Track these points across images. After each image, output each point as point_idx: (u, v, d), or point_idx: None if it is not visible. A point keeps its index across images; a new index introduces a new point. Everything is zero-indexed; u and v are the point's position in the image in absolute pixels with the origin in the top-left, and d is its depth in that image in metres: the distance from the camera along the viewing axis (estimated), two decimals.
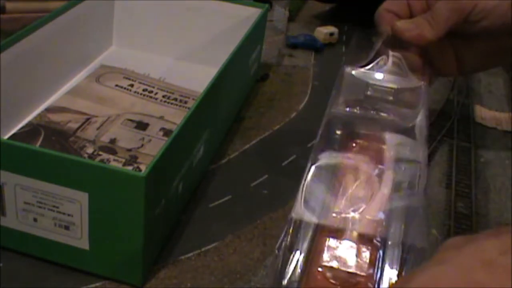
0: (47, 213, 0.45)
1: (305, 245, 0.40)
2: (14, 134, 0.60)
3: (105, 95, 0.68)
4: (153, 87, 0.71)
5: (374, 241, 0.41)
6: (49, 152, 0.43)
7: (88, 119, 0.63)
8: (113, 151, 0.59)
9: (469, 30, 0.56)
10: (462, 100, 0.79)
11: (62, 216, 0.45)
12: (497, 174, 0.65)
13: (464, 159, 0.67)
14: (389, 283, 0.38)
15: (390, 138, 0.48)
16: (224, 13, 0.74)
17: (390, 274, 0.39)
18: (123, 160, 0.58)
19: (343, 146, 0.50)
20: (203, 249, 0.51)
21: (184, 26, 0.75)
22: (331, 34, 0.89)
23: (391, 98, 0.54)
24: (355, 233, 0.42)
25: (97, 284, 0.47)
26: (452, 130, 0.72)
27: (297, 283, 0.38)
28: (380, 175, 0.45)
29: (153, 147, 0.60)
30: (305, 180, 0.44)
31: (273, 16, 0.89)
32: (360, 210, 0.43)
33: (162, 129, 0.63)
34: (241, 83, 0.69)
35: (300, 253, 0.40)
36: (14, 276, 0.47)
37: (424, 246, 0.40)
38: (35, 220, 0.46)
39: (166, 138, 0.61)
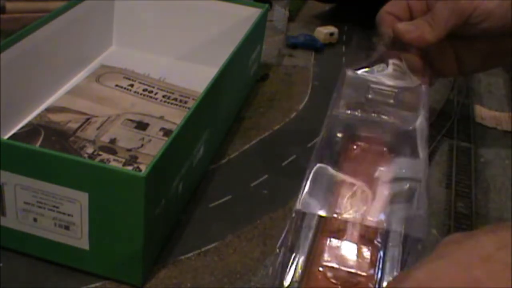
0: (47, 213, 0.45)
1: (306, 245, 0.41)
2: (14, 134, 0.60)
3: (105, 95, 0.68)
4: (153, 87, 0.71)
5: (375, 241, 0.41)
6: (49, 152, 0.43)
7: (88, 119, 0.63)
8: (113, 151, 0.59)
9: (469, 32, 0.57)
10: (462, 100, 0.79)
11: (62, 216, 0.45)
12: (497, 174, 0.65)
13: (464, 159, 0.67)
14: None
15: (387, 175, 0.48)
16: (224, 13, 0.74)
17: (390, 274, 0.39)
18: (123, 160, 0.58)
19: (344, 148, 0.50)
20: (203, 249, 0.51)
21: (184, 26, 0.75)
22: (331, 34, 0.89)
23: (392, 101, 0.54)
24: (356, 234, 0.42)
25: (97, 284, 0.47)
26: (452, 130, 0.72)
27: (298, 282, 0.38)
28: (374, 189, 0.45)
29: (153, 147, 0.60)
30: (307, 179, 0.44)
31: (273, 16, 0.89)
32: (361, 211, 0.43)
33: (162, 129, 0.63)
34: (241, 83, 0.69)
35: (301, 253, 0.40)
36: (14, 276, 0.47)
37: (425, 247, 0.40)
38: (35, 220, 0.46)
39: (166, 138, 0.61)
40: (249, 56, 0.69)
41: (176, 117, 0.65)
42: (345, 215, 0.42)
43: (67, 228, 0.45)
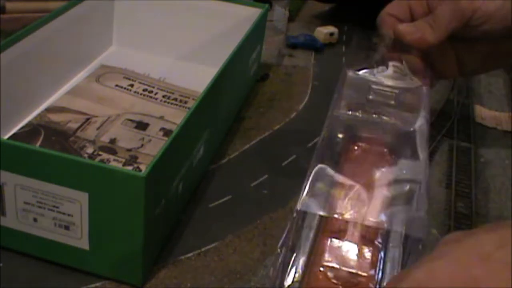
0: (47, 213, 0.45)
1: (307, 245, 0.41)
2: (14, 134, 0.60)
3: (105, 95, 0.68)
4: (153, 87, 0.71)
5: (376, 242, 0.41)
6: (49, 152, 0.43)
7: (88, 119, 0.63)
8: (113, 151, 0.59)
9: (470, 34, 0.57)
10: (462, 100, 0.79)
11: (62, 216, 0.45)
12: (497, 174, 0.65)
13: (464, 159, 0.67)
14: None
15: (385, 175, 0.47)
16: (224, 13, 0.74)
17: (391, 274, 0.39)
18: (123, 160, 0.58)
19: (344, 149, 0.50)
20: (203, 249, 0.51)
21: (184, 26, 0.75)
22: (331, 34, 0.89)
23: (392, 102, 0.54)
24: (356, 234, 0.42)
25: (97, 284, 0.47)
26: (452, 130, 0.72)
27: (299, 282, 0.38)
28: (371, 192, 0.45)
29: (153, 147, 0.60)
30: (307, 179, 0.44)
31: (273, 16, 0.89)
32: (362, 211, 0.43)
33: (162, 129, 0.63)
34: (241, 83, 0.69)
35: (302, 253, 0.40)
36: (14, 276, 0.47)
37: (425, 246, 0.40)
38: (35, 220, 0.46)
39: (166, 138, 0.61)
40: (249, 56, 0.69)
41: (176, 117, 0.65)
42: (346, 216, 0.42)
43: (67, 228, 0.45)
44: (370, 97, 0.55)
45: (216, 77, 0.55)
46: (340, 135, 0.51)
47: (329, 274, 0.39)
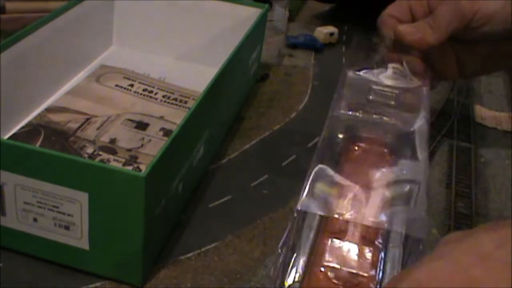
0: (47, 213, 0.45)
1: (308, 245, 0.41)
2: (14, 134, 0.60)
3: (105, 95, 0.68)
4: (153, 87, 0.71)
5: (376, 242, 0.41)
6: (49, 152, 0.43)
7: (88, 119, 0.63)
8: (113, 151, 0.59)
9: (470, 35, 0.57)
10: (462, 100, 0.79)
11: (62, 216, 0.45)
12: (497, 174, 0.65)
13: (464, 159, 0.67)
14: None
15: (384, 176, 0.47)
16: (224, 13, 0.74)
17: (391, 275, 0.39)
18: (123, 160, 0.58)
19: (345, 149, 0.50)
20: (203, 249, 0.51)
21: (184, 26, 0.75)
22: (331, 34, 0.89)
23: (393, 102, 0.54)
24: (357, 235, 0.42)
25: (97, 284, 0.47)
26: (452, 130, 0.72)
27: (299, 282, 0.38)
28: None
29: (153, 147, 0.60)
30: (308, 179, 0.44)
31: (273, 16, 0.89)
32: (362, 212, 0.43)
33: (162, 129, 0.63)
34: (241, 83, 0.69)
35: (303, 253, 0.40)
36: (14, 276, 0.47)
37: (425, 247, 0.40)
38: (35, 220, 0.46)
39: (166, 138, 0.61)
40: (249, 56, 0.69)
41: (176, 117, 0.65)
42: (346, 216, 0.42)
43: (67, 228, 0.45)
44: (370, 97, 0.55)
45: (216, 77, 0.55)
46: (340, 135, 0.51)
47: (330, 274, 0.39)
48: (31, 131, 0.61)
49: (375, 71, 0.57)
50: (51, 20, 0.63)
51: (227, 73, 0.58)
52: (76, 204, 0.44)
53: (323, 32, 0.89)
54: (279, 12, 0.89)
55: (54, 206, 0.44)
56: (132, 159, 0.58)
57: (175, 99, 0.69)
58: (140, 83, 0.71)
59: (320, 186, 0.44)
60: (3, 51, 0.56)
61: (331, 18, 0.98)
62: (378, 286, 0.39)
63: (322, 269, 0.40)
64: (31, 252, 0.48)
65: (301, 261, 0.40)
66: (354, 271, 0.40)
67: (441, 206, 0.59)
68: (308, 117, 0.71)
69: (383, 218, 0.42)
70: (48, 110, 0.64)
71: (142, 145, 0.60)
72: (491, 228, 0.34)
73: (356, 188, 0.44)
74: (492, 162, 0.67)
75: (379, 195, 0.44)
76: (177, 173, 0.49)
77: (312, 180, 0.44)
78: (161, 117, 0.65)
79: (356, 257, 0.41)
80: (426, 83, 0.57)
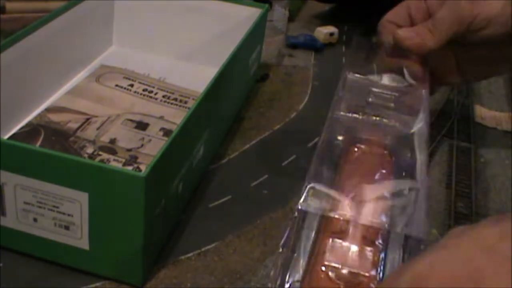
0: (47, 213, 0.45)
1: (308, 245, 0.41)
2: (14, 134, 0.60)
3: (105, 95, 0.68)
4: (153, 87, 0.71)
5: (376, 243, 0.41)
6: (49, 152, 0.43)
7: (88, 119, 0.63)
8: (113, 151, 0.59)
9: (470, 39, 0.56)
10: (462, 100, 0.79)
11: (62, 216, 0.45)
12: (497, 174, 0.65)
13: (464, 159, 0.67)
14: None
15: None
16: (224, 13, 0.74)
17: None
18: (123, 160, 0.58)
19: (344, 151, 0.50)
20: (203, 249, 0.51)
21: (184, 26, 0.75)
22: (331, 34, 0.89)
23: (392, 104, 0.54)
24: (357, 235, 0.42)
25: (97, 284, 0.47)
26: (452, 130, 0.72)
27: (300, 282, 0.38)
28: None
29: (153, 147, 0.60)
30: (309, 179, 0.44)
31: (273, 16, 0.89)
32: (362, 212, 0.43)
33: (162, 129, 0.63)
34: (241, 83, 0.69)
35: (303, 253, 0.40)
36: (14, 276, 0.47)
37: (425, 247, 0.40)
38: (35, 220, 0.46)
39: (166, 138, 0.61)
40: (249, 56, 0.69)
41: (176, 117, 0.65)
42: (347, 216, 0.42)
43: (67, 228, 0.45)
44: (370, 99, 0.55)
45: (216, 77, 0.55)
46: (340, 137, 0.51)
47: (331, 273, 0.39)
48: (31, 131, 0.61)
49: (375, 76, 0.57)
50: (51, 20, 0.63)
51: (227, 73, 0.58)
52: (76, 204, 0.44)
53: (323, 32, 0.89)
54: (279, 12, 0.89)
55: (54, 206, 0.44)
56: (132, 159, 0.58)
57: (175, 99, 0.69)
58: (140, 83, 0.71)
59: (320, 186, 0.44)
60: (3, 51, 0.56)
61: (331, 18, 0.98)
62: None
63: (323, 268, 0.40)
64: (31, 252, 0.48)
65: (302, 261, 0.40)
66: (355, 270, 0.40)
67: (441, 206, 0.59)
68: (308, 117, 0.71)
69: (383, 218, 0.42)
70: (48, 110, 0.64)
71: (142, 145, 0.60)
72: (494, 221, 0.34)
73: (356, 189, 0.44)
74: (492, 162, 0.68)
75: (379, 196, 0.44)
76: (177, 173, 0.49)
77: (312, 180, 0.44)
78: (161, 117, 0.65)
79: (356, 257, 0.41)
80: (426, 85, 0.57)
